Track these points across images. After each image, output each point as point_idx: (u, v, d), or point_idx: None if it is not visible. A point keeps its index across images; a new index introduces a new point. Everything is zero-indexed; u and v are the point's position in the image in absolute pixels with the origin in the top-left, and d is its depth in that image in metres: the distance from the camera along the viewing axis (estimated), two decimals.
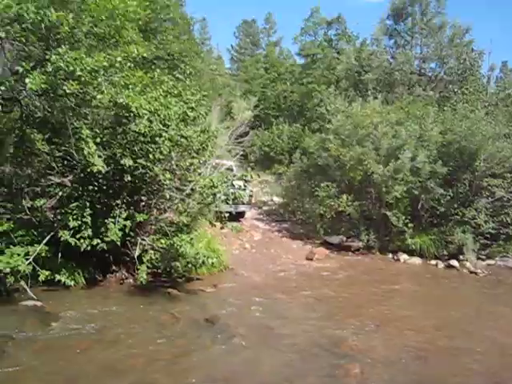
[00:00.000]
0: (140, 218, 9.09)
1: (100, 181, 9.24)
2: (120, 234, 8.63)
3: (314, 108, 26.78)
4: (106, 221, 8.73)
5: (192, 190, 9.62)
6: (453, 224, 14.95)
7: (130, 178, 8.88)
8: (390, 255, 14.90)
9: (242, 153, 18.60)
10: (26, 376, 5.80)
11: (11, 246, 8.34)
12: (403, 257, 14.56)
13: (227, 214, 10.27)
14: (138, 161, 8.80)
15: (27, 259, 8.17)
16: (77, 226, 8.53)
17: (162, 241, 9.34)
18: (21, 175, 9.13)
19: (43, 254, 8.53)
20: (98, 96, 7.88)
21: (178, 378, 6.04)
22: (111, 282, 9.81)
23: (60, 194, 9.01)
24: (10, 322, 7.34)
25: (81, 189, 9.15)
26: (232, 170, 15.09)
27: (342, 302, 9.86)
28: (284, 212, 19.64)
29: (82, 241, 8.53)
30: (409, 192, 14.90)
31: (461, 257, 14.33)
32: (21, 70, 7.52)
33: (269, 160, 29.88)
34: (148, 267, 9.31)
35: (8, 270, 7.89)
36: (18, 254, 8.15)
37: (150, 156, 8.78)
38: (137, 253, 9.25)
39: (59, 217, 9.01)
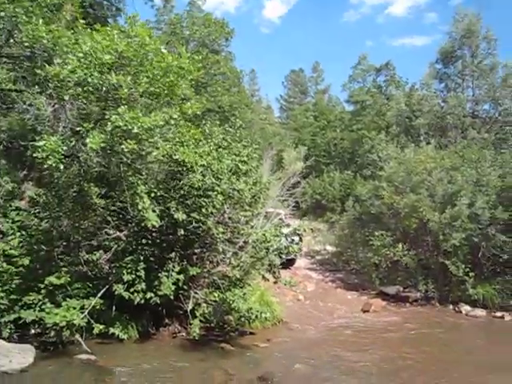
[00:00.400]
0: (193, 271, 9.11)
1: (154, 235, 9.38)
2: (173, 287, 8.66)
3: (365, 154, 26.57)
4: (159, 274, 8.80)
5: (245, 242, 9.58)
6: None
7: (183, 232, 8.97)
8: (451, 306, 14.13)
9: (293, 204, 18.54)
10: None
11: (67, 299, 8.52)
12: (465, 308, 13.76)
13: (278, 263, 10.13)
14: (191, 215, 8.89)
15: (82, 312, 8.30)
16: (131, 280, 8.64)
17: (215, 294, 9.27)
18: (78, 229, 9.38)
19: (98, 307, 8.65)
20: (154, 152, 8.11)
21: None
22: (164, 335, 9.76)
23: (115, 247, 9.18)
24: (66, 377, 7.42)
25: (135, 243, 9.32)
26: (282, 218, 15.00)
27: (404, 362, 9.25)
28: (337, 261, 19.25)
29: (135, 294, 8.61)
30: (468, 239, 14.25)
31: None
32: (81, 130, 7.86)
33: (321, 208, 29.71)
34: (201, 321, 9.23)
35: (64, 323, 8.02)
36: (74, 308, 8.31)
37: (203, 210, 8.86)
38: (190, 306, 9.21)
39: (114, 270, 9.17)
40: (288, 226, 12.19)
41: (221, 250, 9.62)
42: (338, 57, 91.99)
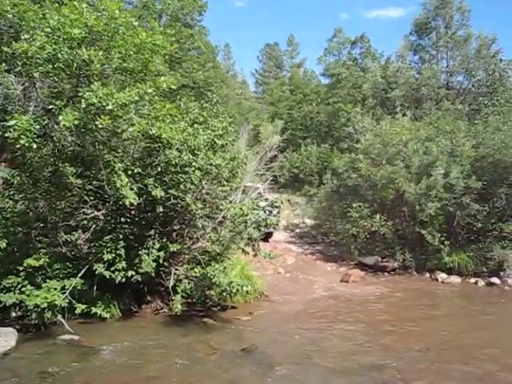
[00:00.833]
0: (173, 248, 9.10)
1: (132, 213, 9.32)
2: (154, 264, 8.65)
3: (341, 127, 26.70)
4: (139, 252, 8.78)
5: (223, 217, 9.59)
6: (491, 240, 14.57)
7: (161, 209, 8.93)
8: (428, 274, 14.53)
9: (271, 178, 18.58)
10: None
11: (48, 280, 8.45)
12: (441, 276, 14.16)
13: (257, 236, 10.19)
14: (170, 191, 8.84)
15: (63, 293, 8.26)
16: (111, 259, 8.59)
17: (196, 270, 9.29)
18: (55, 210, 9.26)
19: (79, 288, 8.61)
20: (130, 129, 8.00)
21: None
22: (146, 312, 9.80)
23: (93, 227, 9.10)
24: (49, 358, 7.37)
25: (114, 221, 9.25)
26: (260, 192, 15.03)
27: (383, 327, 9.55)
28: (316, 234, 19.48)
29: (116, 273, 8.58)
30: (443, 209, 14.55)
31: (502, 273, 13.86)
32: (54, 108, 7.69)
33: (298, 182, 29.84)
34: (182, 297, 9.26)
35: (45, 304, 7.97)
36: (55, 289, 8.25)
37: (181, 186, 8.82)
38: (171, 283, 9.23)
39: (93, 250, 9.11)
40: (266, 200, 12.22)
41: (200, 225, 9.61)
42: (312, 30, 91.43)
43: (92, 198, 9.31)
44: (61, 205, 9.40)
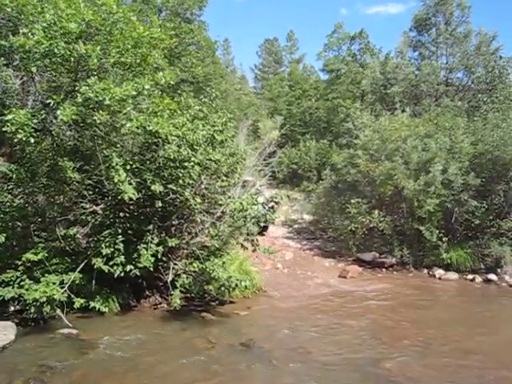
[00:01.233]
0: (172, 242, 9.10)
1: (131, 207, 9.33)
2: (152, 259, 8.66)
3: (340, 123, 26.66)
4: (138, 247, 8.79)
5: (222, 212, 9.61)
6: (489, 236, 14.56)
7: (160, 204, 8.92)
8: (425, 270, 14.55)
9: (270, 173, 18.58)
10: None
11: (46, 275, 8.46)
12: (438, 272, 14.18)
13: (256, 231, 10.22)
14: (168, 186, 8.84)
15: (62, 287, 8.27)
16: (110, 253, 8.61)
17: (195, 265, 9.31)
18: (53, 204, 9.26)
19: (77, 282, 8.62)
20: (128, 124, 7.99)
21: None
22: (145, 307, 9.82)
23: (92, 221, 9.11)
24: (48, 351, 7.39)
25: (112, 216, 9.26)
26: (258, 188, 15.03)
27: (381, 323, 9.59)
28: (315, 230, 19.49)
29: (115, 268, 8.59)
30: (441, 205, 14.56)
31: (499, 270, 13.90)
32: (52, 102, 7.68)
33: (297, 177, 29.85)
34: (181, 291, 9.29)
35: (44, 298, 7.98)
36: (54, 283, 8.26)
37: (180, 181, 8.82)
38: (170, 277, 9.25)
39: (92, 244, 9.12)
40: (259, 193, 12.22)
41: (199, 220, 9.63)
42: (312, 26, 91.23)
43: (91, 192, 9.31)
44: (59, 199, 9.40)
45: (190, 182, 8.93)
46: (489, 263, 14.32)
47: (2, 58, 8.15)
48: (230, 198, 9.98)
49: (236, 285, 9.34)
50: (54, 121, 8.35)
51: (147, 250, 8.71)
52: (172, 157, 8.54)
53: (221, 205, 9.63)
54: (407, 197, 14.81)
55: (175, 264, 9.55)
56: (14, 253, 8.72)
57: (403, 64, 24.66)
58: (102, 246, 8.63)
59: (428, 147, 15.26)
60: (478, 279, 13.60)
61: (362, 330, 9.13)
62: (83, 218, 9.21)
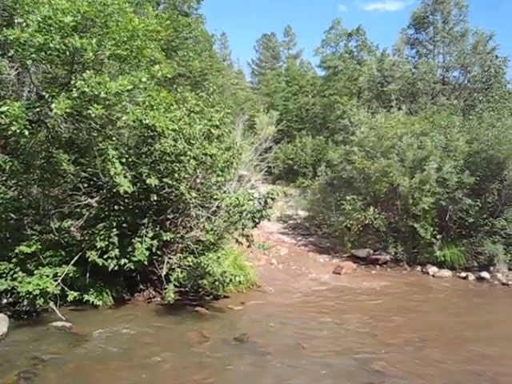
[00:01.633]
0: (166, 236, 9.08)
1: (126, 201, 9.30)
2: (147, 253, 8.65)
3: (336, 120, 26.65)
4: (132, 240, 8.77)
5: (218, 207, 9.59)
6: (482, 235, 14.61)
7: (155, 198, 8.90)
8: (419, 268, 14.58)
9: (266, 169, 18.56)
10: None
11: (40, 267, 8.44)
12: (432, 269, 14.22)
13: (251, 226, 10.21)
14: (164, 180, 8.82)
15: (56, 280, 8.26)
16: (104, 247, 8.59)
17: (189, 259, 9.31)
18: (48, 196, 9.21)
19: (71, 275, 8.61)
20: (124, 117, 7.95)
21: None
22: (139, 300, 9.82)
23: (87, 214, 9.08)
24: (41, 344, 7.38)
25: (107, 209, 9.24)
26: (253, 184, 15.03)
27: (374, 319, 9.59)
28: (310, 226, 19.48)
29: (109, 261, 8.58)
30: (436, 203, 14.59)
31: (492, 268, 13.97)
32: (47, 95, 7.63)
33: (293, 173, 29.82)
34: (175, 286, 9.28)
35: (37, 291, 7.96)
36: (47, 276, 8.24)
37: (176, 175, 8.79)
38: (164, 271, 9.24)
39: (86, 237, 9.09)
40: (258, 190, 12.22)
41: (194, 214, 9.61)
42: (310, 21, 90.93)
43: (86, 185, 9.28)
44: (54, 191, 9.37)
45: (186, 176, 8.91)
46: (482, 261, 14.39)
47: None
48: (225, 192, 9.96)
49: (230, 279, 9.32)
50: (50, 113, 8.30)
51: (142, 243, 8.70)
52: (168, 151, 8.51)
53: (216, 199, 9.61)
54: (402, 194, 14.84)
55: (170, 258, 9.54)
56: (8, 245, 8.68)
57: (400, 62, 24.71)
58: (97, 239, 8.61)
59: (423, 145, 15.27)
60: (471, 277, 13.65)
61: (356, 325, 9.15)
62: (78, 210, 9.18)
